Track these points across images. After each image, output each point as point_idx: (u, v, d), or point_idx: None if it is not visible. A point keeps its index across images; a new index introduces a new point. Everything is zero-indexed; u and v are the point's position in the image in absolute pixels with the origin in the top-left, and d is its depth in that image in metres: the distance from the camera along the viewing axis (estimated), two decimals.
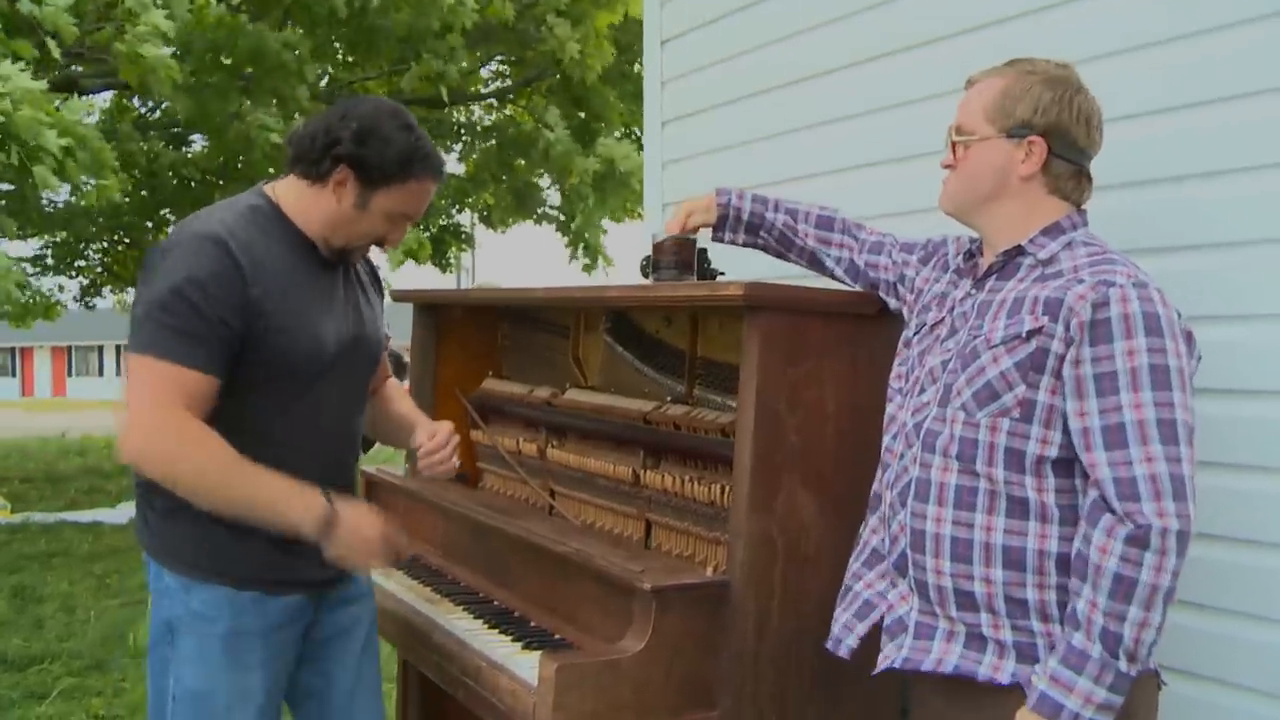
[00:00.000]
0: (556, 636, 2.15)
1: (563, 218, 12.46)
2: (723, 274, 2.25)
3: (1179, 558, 1.49)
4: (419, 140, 1.98)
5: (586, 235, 12.00)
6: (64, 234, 12.32)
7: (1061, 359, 1.58)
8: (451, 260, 14.34)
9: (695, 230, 2.20)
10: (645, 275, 2.27)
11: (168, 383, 1.82)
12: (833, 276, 2.20)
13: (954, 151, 1.77)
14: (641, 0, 3.59)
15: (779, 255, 2.26)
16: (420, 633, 2.32)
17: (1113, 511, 1.51)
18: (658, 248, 2.19)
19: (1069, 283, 1.60)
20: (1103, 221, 1.82)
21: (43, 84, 5.97)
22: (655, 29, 3.43)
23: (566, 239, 12.32)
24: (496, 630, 2.21)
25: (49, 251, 13.32)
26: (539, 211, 12.94)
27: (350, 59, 10.82)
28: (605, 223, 12.41)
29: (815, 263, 2.21)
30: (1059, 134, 1.69)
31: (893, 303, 2.06)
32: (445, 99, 9.94)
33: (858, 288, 2.14)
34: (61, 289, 13.97)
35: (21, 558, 7.52)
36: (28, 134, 5.72)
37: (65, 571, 7.06)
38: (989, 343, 1.65)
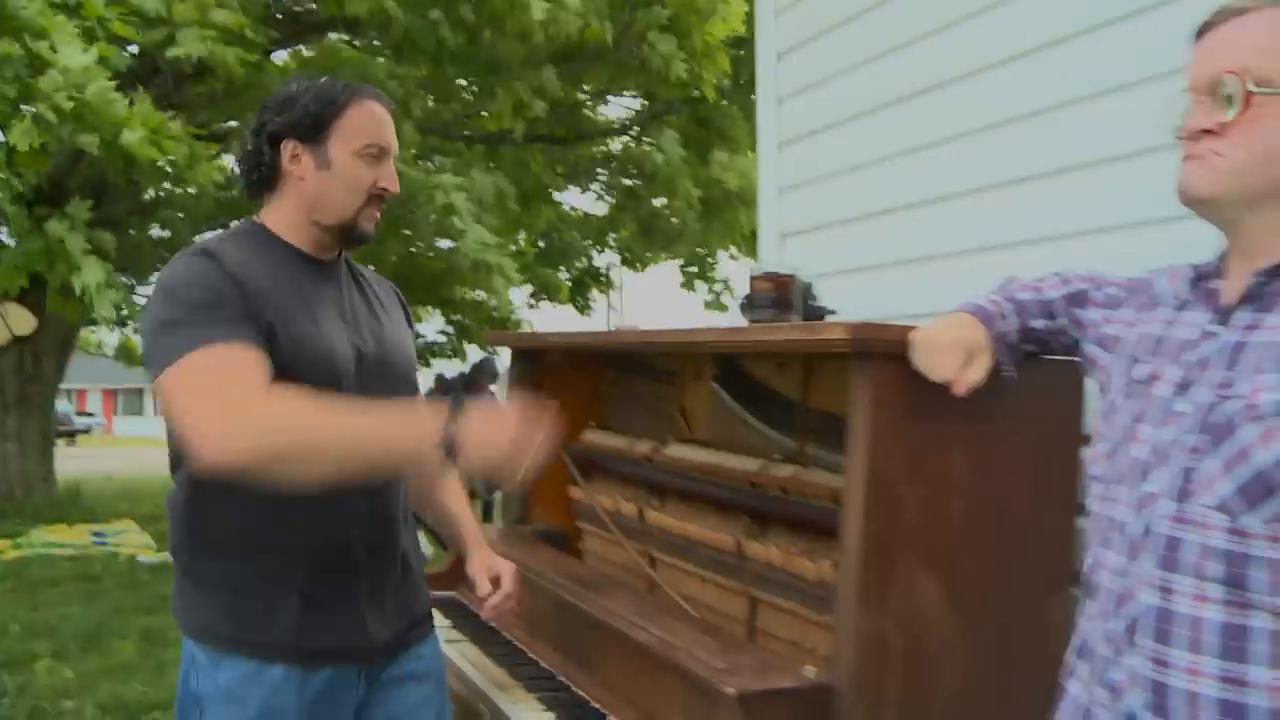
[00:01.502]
0: None
1: (696, 249, 12.18)
2: (833, 313, 1.97)
3: None
4: (332, 79, 1.91)
5: (700, 267, 11.64)
6: None
7: None
8: (592, 303, 14.29)
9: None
10: (745, 315, 2.04)
11: (208, 372, 1.63)
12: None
13: (1228, 107, 1.23)
14: (741, 15, 3.34)
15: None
16: None
17: None
18: (754, 283, 1.93)
19: None
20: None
21: (92, 58, 6.12)
22: (770, 40, 3.19)
23: (685, 272, 12.03)
24: None
25: None
26: (665, 245, 12.64)
27: (472, 92, 10.85)
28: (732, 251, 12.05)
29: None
30: None
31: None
32: (516, 134, 9.81)
33: None
34: None
35: (157, 598, 7.65)
36: (104, 113, 5.83)
37: None
38: (1255, 410, 1.17)
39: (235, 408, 1.60)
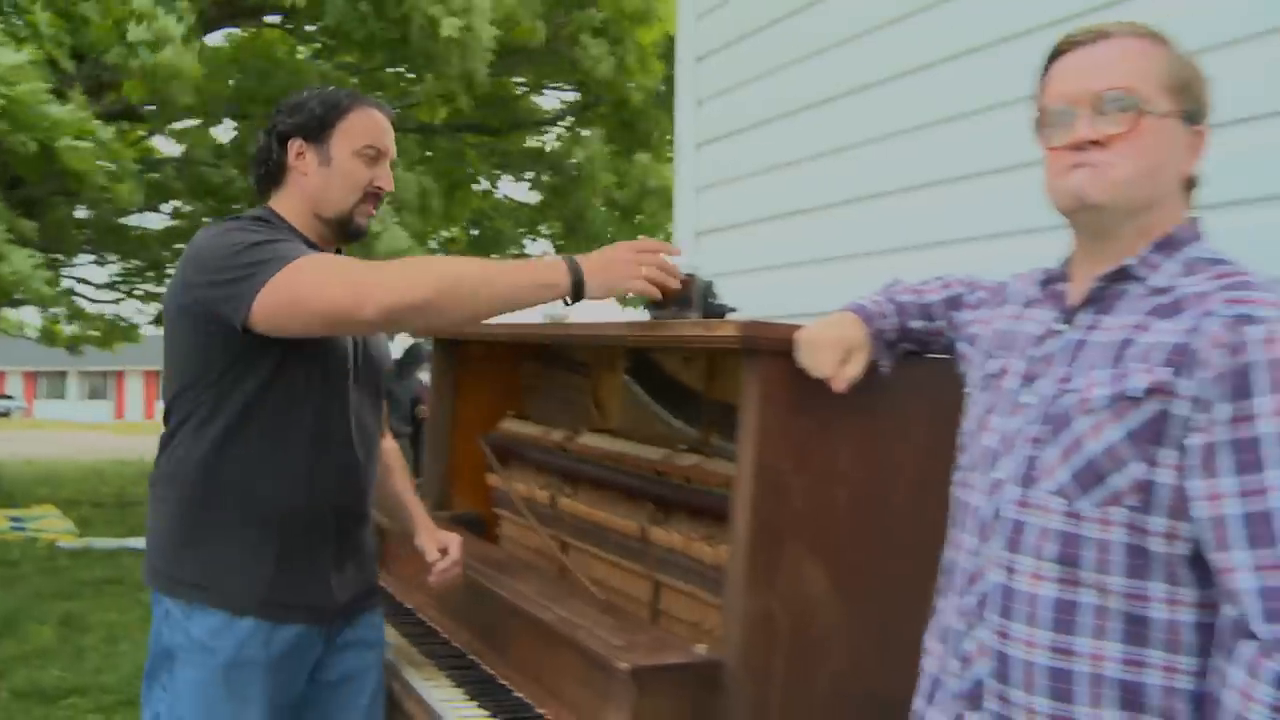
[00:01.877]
0: (538, 711, 1.96)
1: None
2: (734, 310, 2.05)
3: None
4: (340, 88, 2.11)
5: None
6: (135, 260, 12.64)
7: (1190, 426, 1.21)
8: None
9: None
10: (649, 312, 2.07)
11: (337, 260, 1.85)
12: None
13: (1116, 121, 1.30)
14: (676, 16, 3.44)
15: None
16: (394, 699, 2.16)
17: (1256, 637, 1.14)
18: None
19: (1196, 320, 1.23)
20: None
21: (24, 58, 6.00)
22: (690, 44, 3.28)
23: None
24: (474, 703, 2.04)
25: (132, 277, 13.70)
26: (589, 244, 12.69)
27: (406, 85, 10.87)
28: None
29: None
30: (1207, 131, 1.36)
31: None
32: (444, 122, 9.87)
33: None
34: (141, 313, 14.38)
35: (77, 584, 7.59)
36: (34, 112, 5.74)
37: (116, 600, 7.08)
38: (1086, 404, 1.27)
39: (392, 264, 1.81)
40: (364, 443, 2.07)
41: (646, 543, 2.23)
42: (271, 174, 2.05)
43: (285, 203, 2.05)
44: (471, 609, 2.40)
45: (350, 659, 2.07)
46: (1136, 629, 1.24)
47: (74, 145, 6.08)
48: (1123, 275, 1.33)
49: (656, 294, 1.81)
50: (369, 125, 2.04)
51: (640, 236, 1.91)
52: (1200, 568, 1.22)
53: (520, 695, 2.05)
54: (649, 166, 11.11)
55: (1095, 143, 1.31)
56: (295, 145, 2.02)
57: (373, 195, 2.05)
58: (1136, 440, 1.23)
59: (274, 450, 1.90)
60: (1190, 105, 1.33)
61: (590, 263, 1.79)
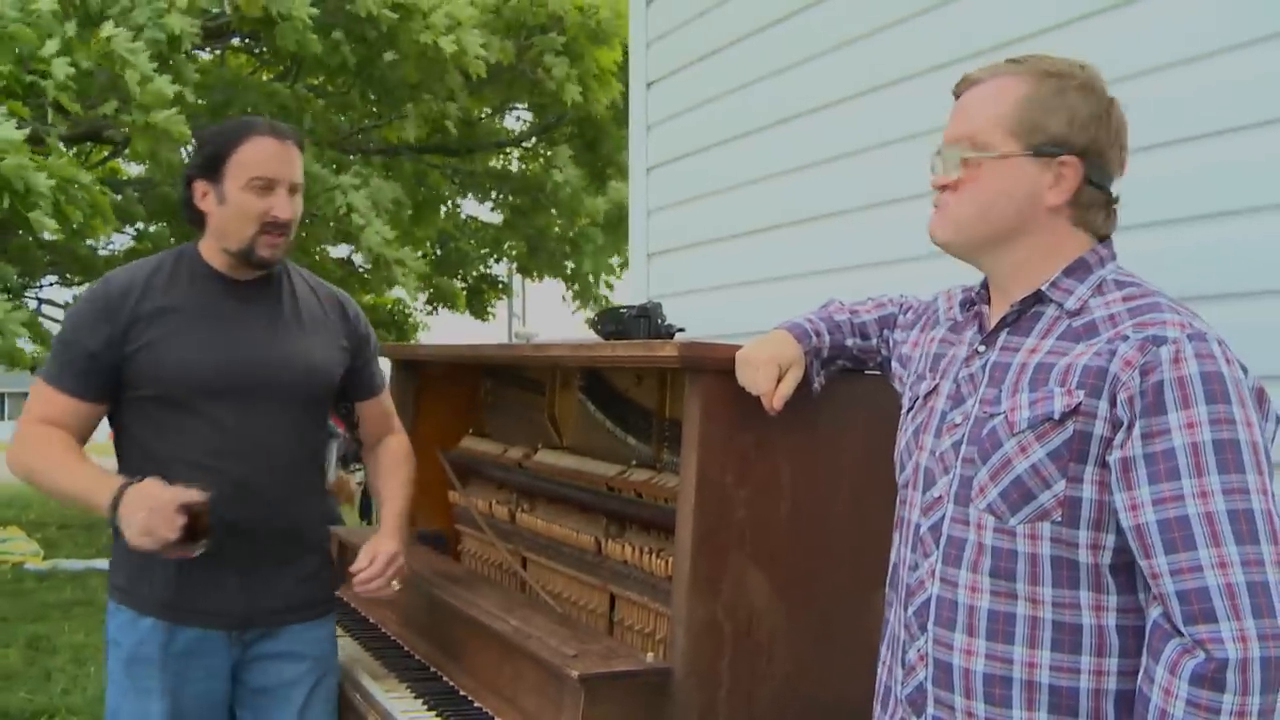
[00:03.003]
0: None
1: (570, 267, 12.17)
2: (682, 330, 2.12)
3: (1270, 694, 1.16)
4: (235, 119, 2.16)
5: (591, 281, 11.66)
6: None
7: (1109, 443, 1.27)
8: (492, 310, 14.28)
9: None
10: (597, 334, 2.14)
11: (38, 401, 2.06)
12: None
13: (955, 169, 1.40)
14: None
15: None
16: (356, 711, 2.20)
17: (1179, 637, 1.20)
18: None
19: (1110, 342, 1.29)
20: None
21: (23, 133, 6.01)
22: (640, 71, 3.36)
23: (574, 289, 12.08)
24: (434, 713, 2.08)
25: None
26: (548, 262, 12.68)
27: (373, 107, 10.89)
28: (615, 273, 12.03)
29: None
30: (1095, 155, 1.37)
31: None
32: (448, 139, 9.96)
33: None
34: None
35: (44, 606, 7.52)
36: (15, 179, 5.77)
37: (84, 621, 7.02)
38: (1012, 426, 1.33)
39: (23, 440, 2.05)
40: (264, 459, 2.08)
41: (602, 556, 2.28)
42: (190, 215, 2.12)
43: (205, 241, 2.13)
44: (432, 622, 2.45)
45: (271, 672, 2.13)
46: (1066, 636, 1.31)
47: (40, 219, 6.06)
48: (1037, 299, 1.39)
49: (153, 546, 1.87)
50: (257, 156, 2.03)
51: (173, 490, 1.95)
52: (1122, 574, 1.29)
53: (480, 705, 2.10)
54: (622, 188, 11.16)
55: (946, 185, 1.42)
56: (200, 187, 2.07)
57: (270, 224, 2.04)
58: (1059, 459, 1.29)
59: (152, 473, 1.95)
60: (1042, 141, 1.37)
61: (126, 501, 1.89)
